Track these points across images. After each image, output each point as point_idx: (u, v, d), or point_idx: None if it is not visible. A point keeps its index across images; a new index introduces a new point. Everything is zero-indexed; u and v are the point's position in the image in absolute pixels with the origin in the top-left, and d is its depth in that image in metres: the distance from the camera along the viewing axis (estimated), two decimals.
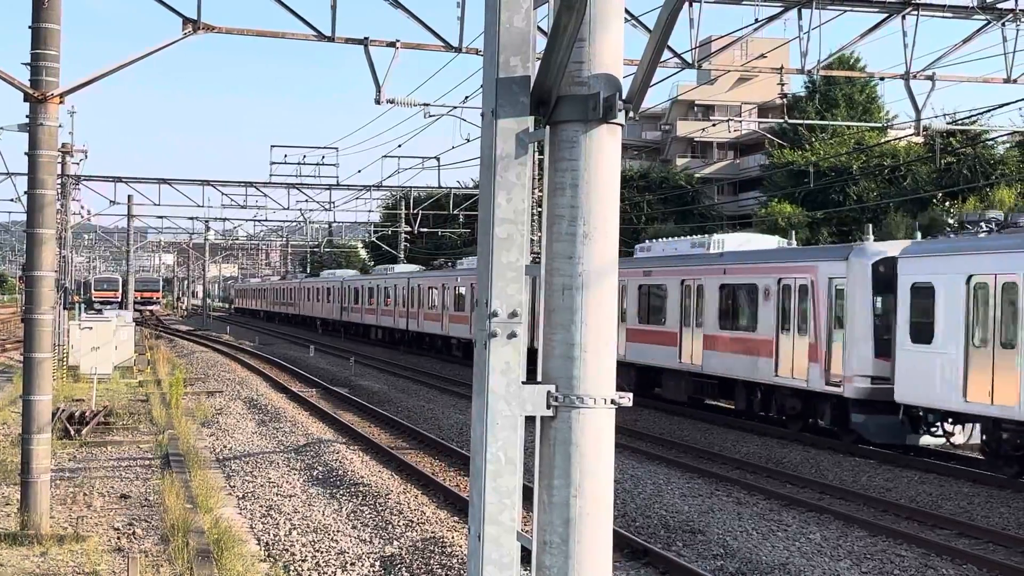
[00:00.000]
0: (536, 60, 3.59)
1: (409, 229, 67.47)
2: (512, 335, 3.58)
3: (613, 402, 3.61)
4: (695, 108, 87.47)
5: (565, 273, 3.57)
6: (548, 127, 3.62)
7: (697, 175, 74.87)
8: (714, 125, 50.78)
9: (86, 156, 50.04)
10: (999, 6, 21.94)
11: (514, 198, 3.57)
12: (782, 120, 34.70)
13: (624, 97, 3.55)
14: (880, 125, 44.66)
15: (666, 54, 21.58)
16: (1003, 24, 22.15)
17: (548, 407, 3.59)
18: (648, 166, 75.21)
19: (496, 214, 3.56)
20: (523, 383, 3.60)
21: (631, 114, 3.55)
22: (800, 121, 46.91)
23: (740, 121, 58.86)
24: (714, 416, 28.98)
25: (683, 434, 25.93)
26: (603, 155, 3.58)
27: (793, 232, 34.69)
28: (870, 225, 27.45)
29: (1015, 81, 23.17)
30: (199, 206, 54.69)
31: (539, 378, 3.65)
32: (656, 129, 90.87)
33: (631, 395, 3.72)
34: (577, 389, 3.57)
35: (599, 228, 3.57)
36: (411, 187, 61.20)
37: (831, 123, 49.34)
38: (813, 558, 13.93)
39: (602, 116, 3.52)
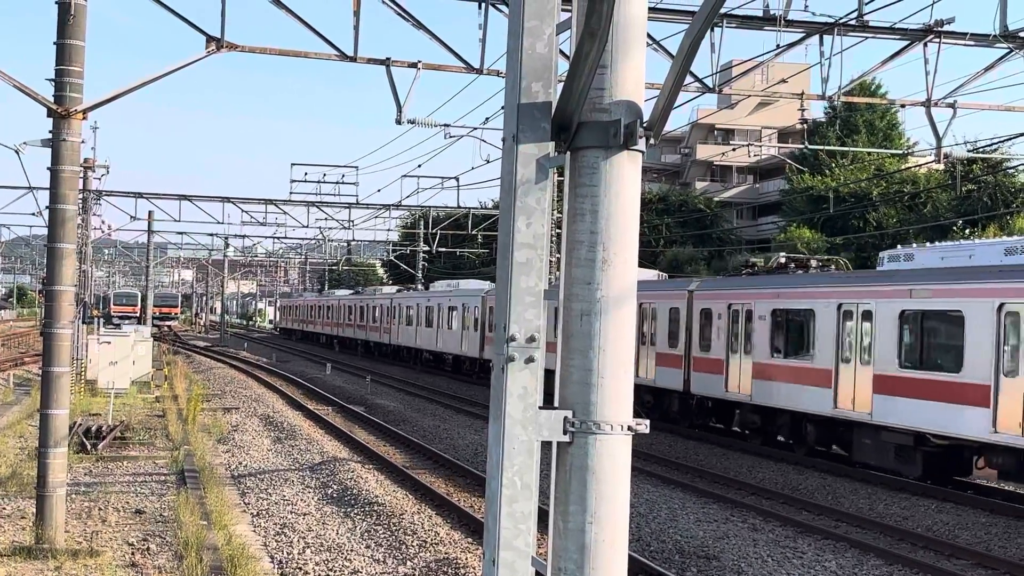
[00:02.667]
0: (557, 85, 3.61)
1: (428, 248, 67.57)
2: (530, 360, 3.58)
3: (630, 428, 3.60)
4: (715, 132, 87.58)
5: (583, 299, 3.57)
6: (569, 153, 3.63)
7: (716, 199, 74.85)
8: (734, 149, 50.84)
9: (108, 171, 50.35)
10: (1021, 35, 21.89)
11: (534, 223, 3.58)
12: (802, 145, 34.67)
13: (645, 124, 3.55)
14: (900, 152, 44.62)
15: (688, 79, 21.62)
16: None
17: (565, 432, 3.58)
18: (667, 189, 75.26)
19: (516, 239, 3.57)
20: (540, 408, 3.60)
21: (652, 141, 3.56)
22: (820, 147, 46.87)
23: (760, 146, 58.82)
24: (730, 441, 28.86)
25: (699, 459, 25.84)
26: (623, 182, 3.58)
27: None
28: None
29: None
30: (219, 223, 55.09)
31: (556, 403, 3.65)
32: (676, 152, 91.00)
33: (648, 422, 3.72)
34: (594, 415, 3.56)
35: (618, 254, 3.58)
36: (430, 207, 61.42)
37: (851, 149, 49.28)
38: None
39: (623, 143, 3.52)
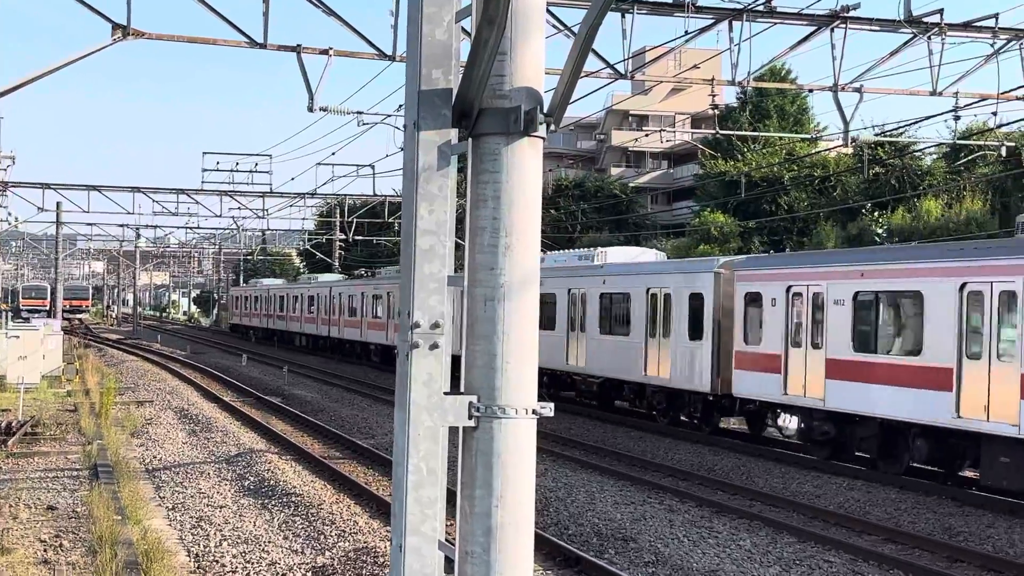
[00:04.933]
0: (459, 72, 3.62)
1: (344, 237, 67.15)
2: (434, 346, 3.60)
3: (534, 412, 3.64)
4: (629, 118, 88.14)
5: (487, 284, 3.60)
6: (470, 140, 3.65)
7: (631, 184, 75.37)
8: (647, 135, 51.20)
9: (13, 162, 49.34)
10: (925, 20, 22.37)
11: (436, 210, 3.59)
12: (714, 131, 35.06)
13: (545, 110, 3.58)
14: (810, 136, 45.28)
15: (599, 65, 21.76)
16: (928, 37, 22.60)
17: (470, 418, 3.61)
18: (583, 175, 75.58)
19: (418, 225, 3.58)
20: (446, 394, 3.62)
21: (552, 127, 3.59)
22: (732, 132, 47.40)
23: (673, 132, 59.37)
24: (646, 423, 29.16)
25: (616, 442, 26.06)
26: (524, 168, 3.61)
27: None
28: None
29: (940, 93, 23.64)
30: (129, 213, 54.11)
31: (462, 389, 3.67)
32: (591, 139, 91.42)
33: (552, 405, 3.75)
34: (499, 400, 3.59)
35: (521, 240, 3.60)
36: (345, 195, 61.03)
37: (762, 134, 49.93)
38: (743, 564, 14.07)
39: (523, 129, 3.55)
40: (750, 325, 24.37)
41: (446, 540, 3.71)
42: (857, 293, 21.31)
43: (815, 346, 22.31)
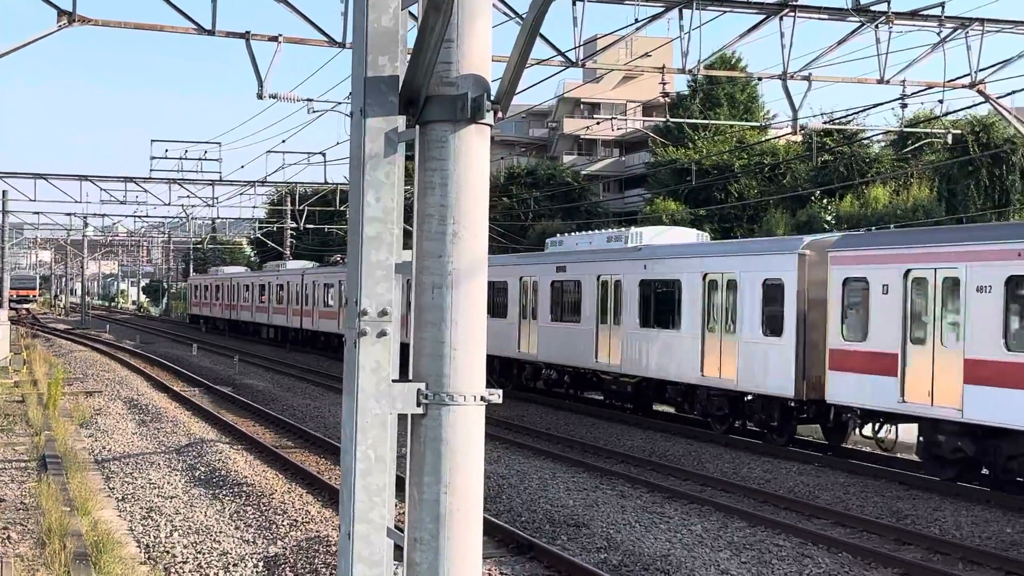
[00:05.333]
0: (406, 59, 3.61)
1: (295, 225, 66.77)
2: (382, 333, 3.60)
3: (483, 399, 3.65)
4: (581, 106, 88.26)
5: (435, 272, 3.60)
6: (418, 127, 3.64)
7: (583, 172, 75.52)
8: (598, 123, 51.31)
9: None
10: (872, 8, 22.58)
11: (383, 197, 3.59)
12: (665, 119, 35.21)
13: (493, 97, 3.59)
14: (760, 124, 45.62)
15: (550, 52, 21.77)
16: (876, 26, 22.82)
17: (418, 405, 3.61)
18: (535, 163, 75.62)
19: (365, 213, 3.58)
20: (394, 381, 3.61)
21: (500, 114, 3.60)
22: (682, 120, 47.64)
23: (625, 119, 59.53)
24: (598, 410, 29.29)
25: (569, 429, 26.16)
26: (472, 155, 3.61)
27: None
28: None
29: (888, 81, 23.88)
30: (77, 202, 53.51)
31: (411, 376, 3.67)
32: (543, 126, 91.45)
33: (500, 392, 3.76)
34: (447, 387, 3.59)
35: (468, 227, 3.61)
36: (296, 183, 60.68)
37: (712, 122, 50.22)
38: (694, 549, 14.18)
39: (471, 116, 3.55)
40: (851, 317, 20.54)
41: (395, 527, 3.71)
42: (1011, 278, 17.51)
43: (947, 344, 18.65)
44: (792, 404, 22.20)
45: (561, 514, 16.21)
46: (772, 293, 22.43)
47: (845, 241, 21.30)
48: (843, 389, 20.56)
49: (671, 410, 28.39)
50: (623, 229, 30.90)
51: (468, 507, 3.59)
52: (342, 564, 3.63)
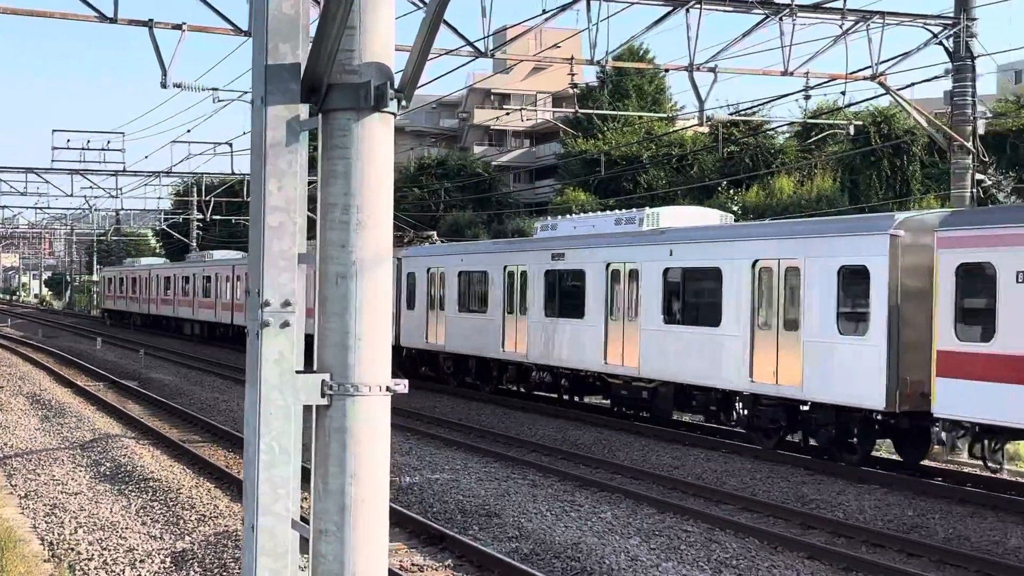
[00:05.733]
0: (308, 47, 3.57)
1: (201, 216, 65.83)
2: (285, 324, 3.57)
3: (388, 389, 3.63)
4: (492, 96, 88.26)
5: (339, 261, 3.57)
6: (320, 115, 3.61)
7: (494, 163, 75.57)
8: (508, 114, 51.39)
9: None
10: (776, 1, 22.91)
11: (285, 186, 3.55)
12: (574, 110, 35.38)
13: (397, 86, 3.57)
14: (668, 115, 46.05)
15: (459, 42, 21.73)
16: (780, 19, 23.15)
17: (323, 396, 3.59)
18: (446, 154, 75.48)
19: (267, 202, 3.54)
20: (298, 372, 3.58)
21: (404, 103, 3.58)
22: (591, 111, 47.91)
23: (535, 110, 59.68)
24: (511, 400, 29.37)
25: (481, 419, 26.19)
26: (376, 144, 3.59)
27: None
28: None
29: (792, 73, 24.24)
30: None
31: (315, 367, 3.64)
32: (454, 117, 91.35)
33: (406, 382, 3.75)
34: (352, 377, 3.57)
35: (372, 216, 3.59)
36: (203, 173, 59.80)
37: (621, 113, 50.58)
38: (604, 536, 14.30)
39: (374, 105, 3.53)
40: (968, 312, 17.00)
41: (302, 519, 3.68)
42: None
43: None
44: (878, 417, 18.56)
45: (473, 504, 16.23)
46: (852, 283, 18.88)
47: (958, 218, 17.77)
48: (957, 400, 16.81)
49: (685, 418, 25.54)
50: (634, 211, 27.04)
51: (374, 497, 3.58)
52: (246, 557, 3.59)
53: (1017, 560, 13.60)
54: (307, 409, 3.69)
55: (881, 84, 25.12)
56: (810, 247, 19.61)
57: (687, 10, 22.52)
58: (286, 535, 3.57)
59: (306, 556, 3.69)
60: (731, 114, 36.64)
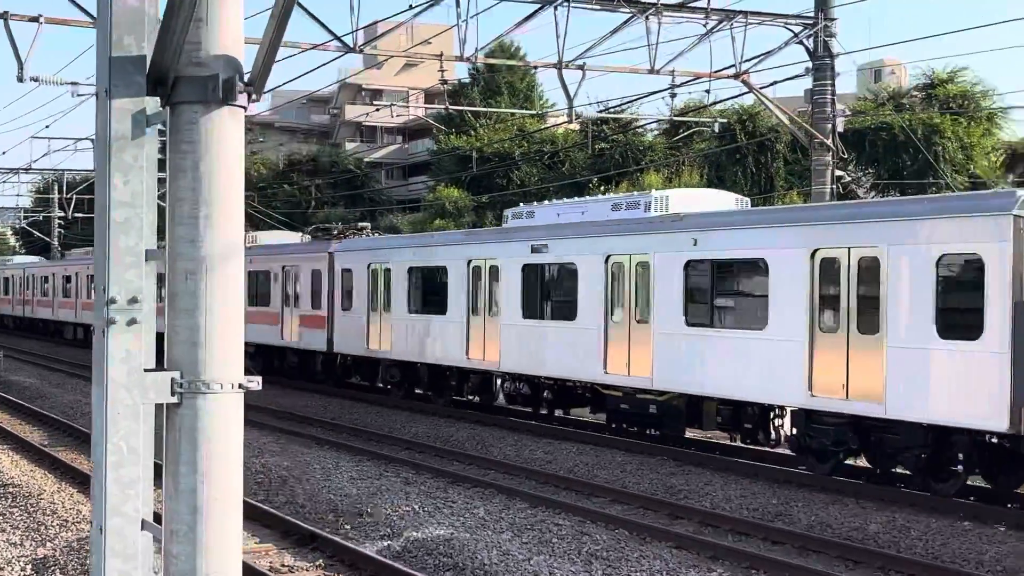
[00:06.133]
0: (154, 38, 3.50)
1: (63, 214, 64.01)
2: (132, 321, 3.49)
3: (240, 386, 3.58)
4: (363, 92, 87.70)
5: (188, 257, 3.51)
6: (168, 108, 3.55)
7: (366, 159, 75.12)
8: (377, 110, 51.13)
9: None
10: (642, 0, 23.25)
11: (132, 180, 3.48)
12: (446, 106, 35.37)
13: (247, 79, 3.52)
14: (538, 112, 46.32)
15: (326, 36, 21.54)
16: (646, 17, 23.49)
17: (173, 394, 3.52)
18: (317, 150, 74.75)
19: (113, 197, 3.46)
20: (147, 371, 3.51)
21: (254, 97, 3.53)
22: (462, 107, 47.96)
23: (406, 107, 59.50)
24: (383, 398, 29.23)
25: (354, 417, 26.02)
26: (225, 138, 3.53)
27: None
28: None
29: (658, 72, 24.62)
30: None
31: (166, 365, 3.58)
32: (325, 113, 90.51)
33: (259, 378, 3.70)
34: (203, 375, 3.52)
35: (222, 211, 3.53)
36: (64, 170, 58.20)
37: (492, 110, 50.74)
38: (477, 532, 14.34)
39: (222, 98, 3.48)
40: None
41: (154, 520, 3.61)
42: None
43: None
44: (996, 440, 15.41)
45: (345, 503, 16.13)
46: (955, 275, 15.81)
47: None
48: None
49: (700, 435, 22.13)
50: (636, 193, 23.32)
51: (226, 497, 3.53)
52: (95, 559, 3.51)
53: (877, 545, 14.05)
54: (158, 408, 3.62)
55: (744, 83, 25.68)
56: (895, 232, 16.20)
57: (555, 7, 22.70)
58: (136, 536, 3.50)
59: (159, 556, 3.63)
60: (600, 112, 37.05)
